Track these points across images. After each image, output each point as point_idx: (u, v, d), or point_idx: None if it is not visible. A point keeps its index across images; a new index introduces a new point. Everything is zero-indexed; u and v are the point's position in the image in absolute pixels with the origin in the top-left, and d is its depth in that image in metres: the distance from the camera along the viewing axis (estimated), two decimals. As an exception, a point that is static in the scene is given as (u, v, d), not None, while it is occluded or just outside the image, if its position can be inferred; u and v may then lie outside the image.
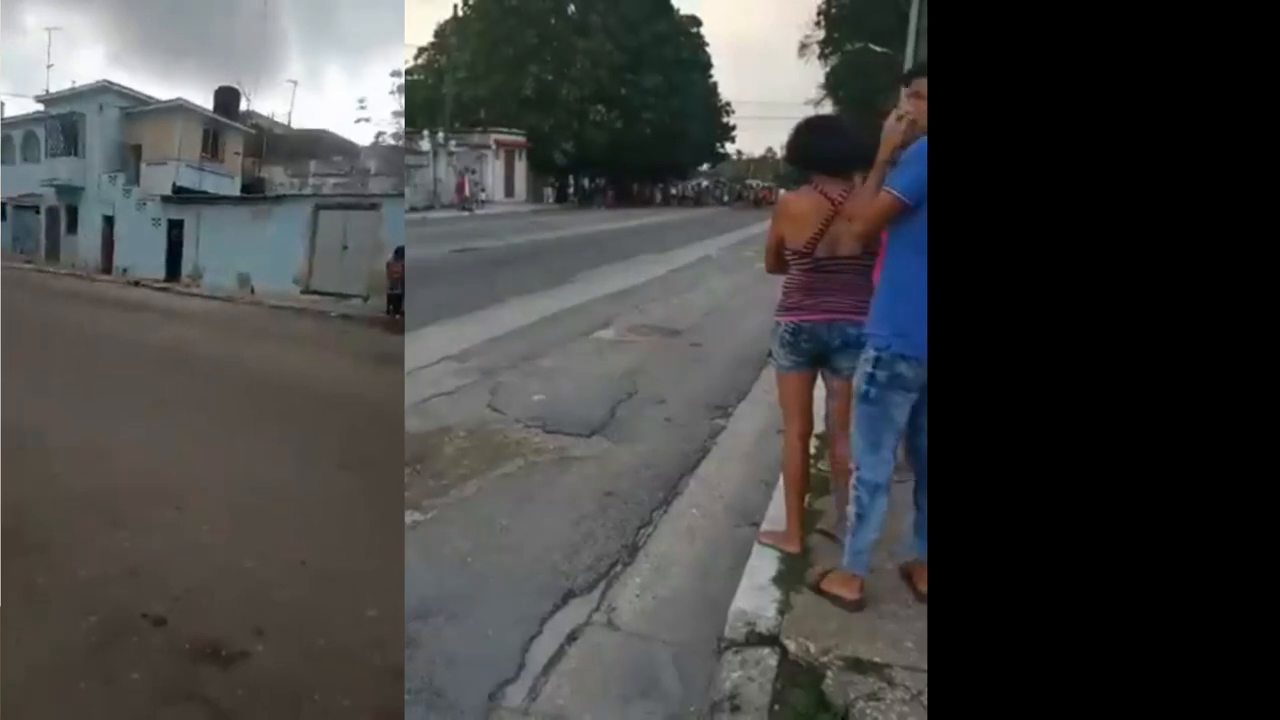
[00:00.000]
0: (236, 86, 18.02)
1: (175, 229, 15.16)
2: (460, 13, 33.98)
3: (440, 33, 36.40)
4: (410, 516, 2.88)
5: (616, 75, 33.63)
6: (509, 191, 30.82)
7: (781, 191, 46.70)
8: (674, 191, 43.44)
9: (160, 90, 18.96)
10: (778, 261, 2.51)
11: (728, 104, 44.76)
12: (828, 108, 34.78)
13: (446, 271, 10.24)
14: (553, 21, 33.88)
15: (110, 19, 32.83)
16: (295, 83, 27.86)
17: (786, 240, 2.42)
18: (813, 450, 2.79)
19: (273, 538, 2.59)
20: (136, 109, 16.56)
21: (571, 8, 34.05)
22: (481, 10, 33.74)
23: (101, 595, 2.07)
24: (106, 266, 16.06)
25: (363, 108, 31.43)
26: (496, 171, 30.01)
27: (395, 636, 2.06)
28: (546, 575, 2.55)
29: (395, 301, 9.59)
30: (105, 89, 16.44)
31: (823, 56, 34.99)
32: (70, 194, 16.76)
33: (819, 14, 34.03)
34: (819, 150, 2.38)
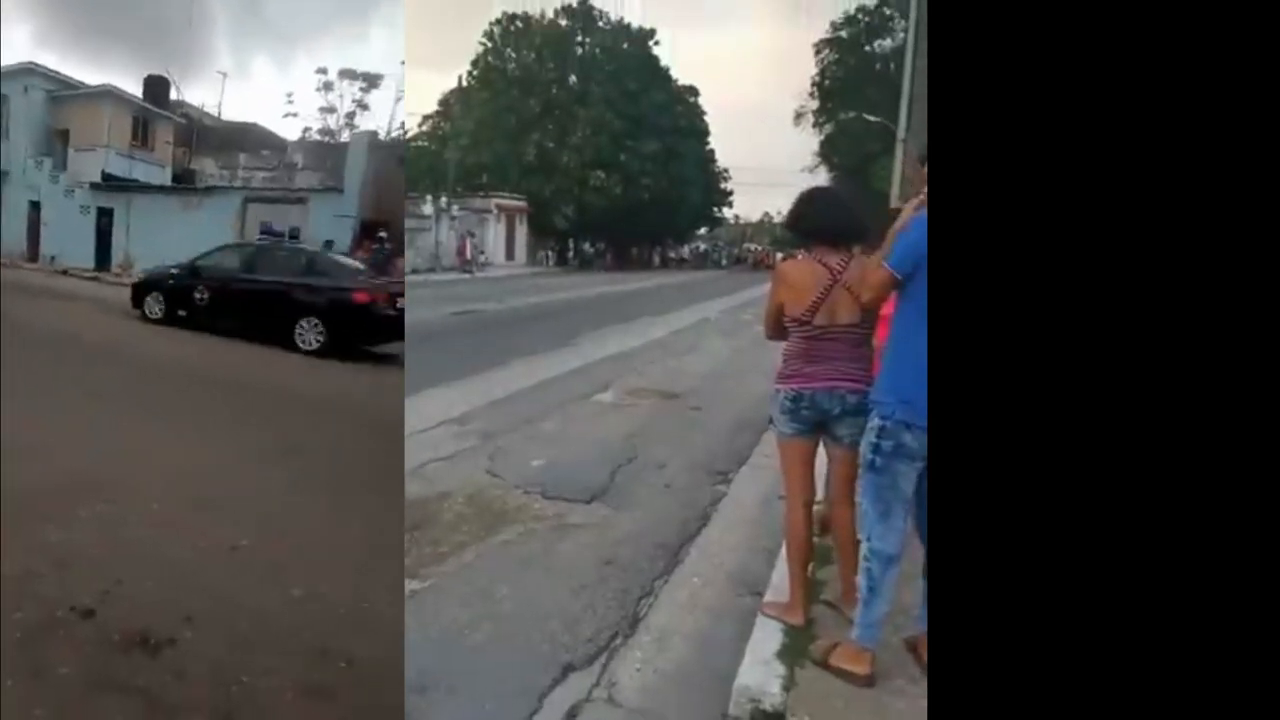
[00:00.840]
0: (166, 75, 17.90)
1: (104, 217, 14.93)
2: (465, 82, 35.40)
3: (445, 101, 38.12)
4: (408, 585, 2.85)
5: (616, 142, 34.73)
6: (509, 254, 31.50)
7: (779, 256, 46.83)
8: (672, 255, 44.31)
9: (88, 75, 18.40)
10: (777, 328, 2.56)
11: (724, 170, 46.03)
12: (822, 174, 35.84)
13: (447, 334, 10.29)
14: (554, 91, 35.29)
15: (37, 1, 30.62)
16: (224, 74, 28.35)
17: (786, 308, 2.48)
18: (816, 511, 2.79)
19: (207, 525, 2.79)
20: (64, 93, 16.25)
21: (573, 78, 35.47)
22: (486, 80, 35.31)
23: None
24: (33, 254, 15.65)
25: (290, 102, 32.07)
26: (498, 235, 30.79)
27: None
28: (546, 647, 2.51)
29: None
30: (30, 70, 15.99)
31: (817, 125, 36.35)
32: None
33: (813, 84, 35.57)
34: (819, 221, 2.46)
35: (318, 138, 19.38)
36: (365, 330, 7.54)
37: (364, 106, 22.96)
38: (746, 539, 3.49)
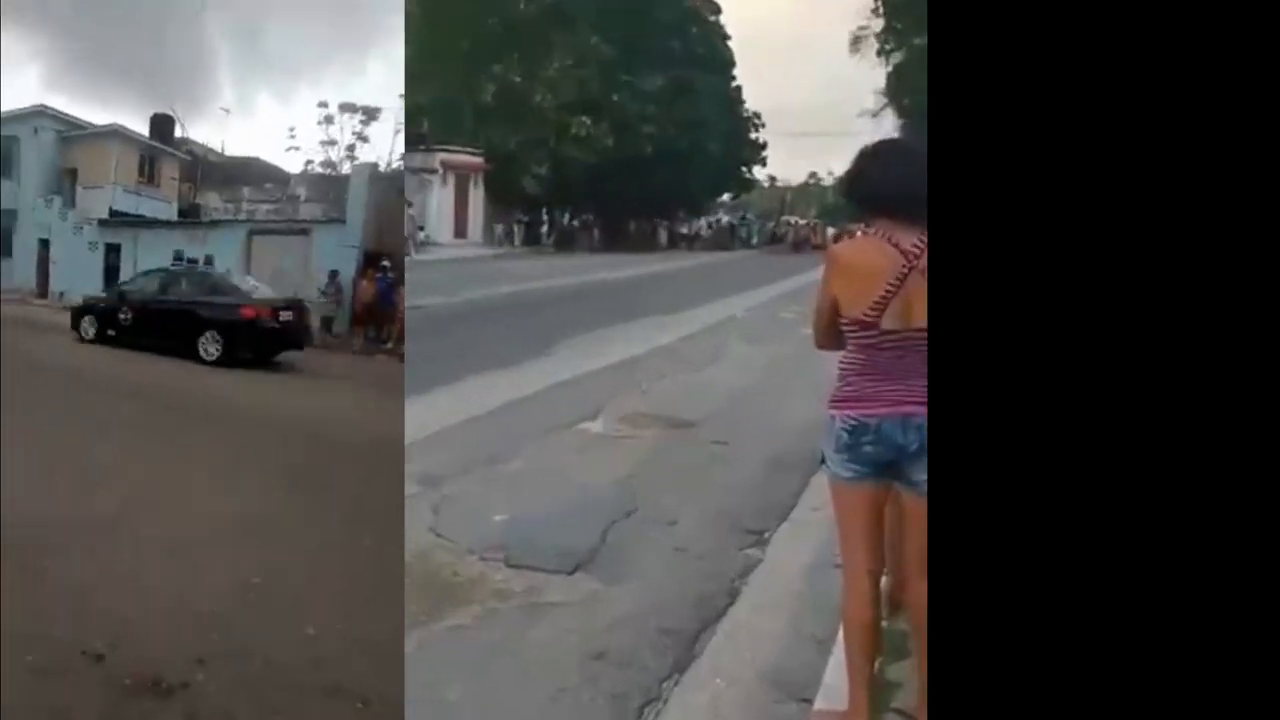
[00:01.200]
0: (171, 113, 24.89)
1: (112, 253, 19.96)
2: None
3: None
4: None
5: (606, 77, 34.95)
6: (460, 230, 30.99)
7: (831, 232, 46.78)
8: (684, 230, 44.35)
9: (95, 115, 24.89)
10: (831, 333, 2.57)
11: (755, 115, 46.47)
12: (889, 120, 36.10)
13: (375, 339, 10.49)
14: (522, 6, 35.38)
15: (44, 44, 45.20)
16: (228, 111, 37.82)
17: (843, 305, 2.48)
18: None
19: (220, 556, 3.92)
20: (72, 133, 22.46)
21: (549, -12, 35.66)
22: (427, -13, 35.11)
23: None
24: (42, 290, 20.87)
25: (292, 136, 40.68)
26: (443, 203, 30.16)
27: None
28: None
29: (327, 323, 14.43)
30: (40, 112, 22.06)
31: (882, 53, 36.57)
32: (4, 217, 21.66)
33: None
34: (887, 186, 2.46)
35: (320, 170, 26.96)
36: (253, 342, 11.10)
37: (364, 139, 29.98)
38: (788, 624, 3.50)
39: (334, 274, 15.91)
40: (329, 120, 29.36)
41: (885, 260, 2.40)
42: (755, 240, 47.28)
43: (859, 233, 2.45)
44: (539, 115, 33.91)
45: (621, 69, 35.28)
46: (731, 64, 43.30)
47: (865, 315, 2.43)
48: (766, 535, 4.47)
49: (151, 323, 11.82)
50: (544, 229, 36.87)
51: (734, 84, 44.08)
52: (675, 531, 4.47)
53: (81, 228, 21.07)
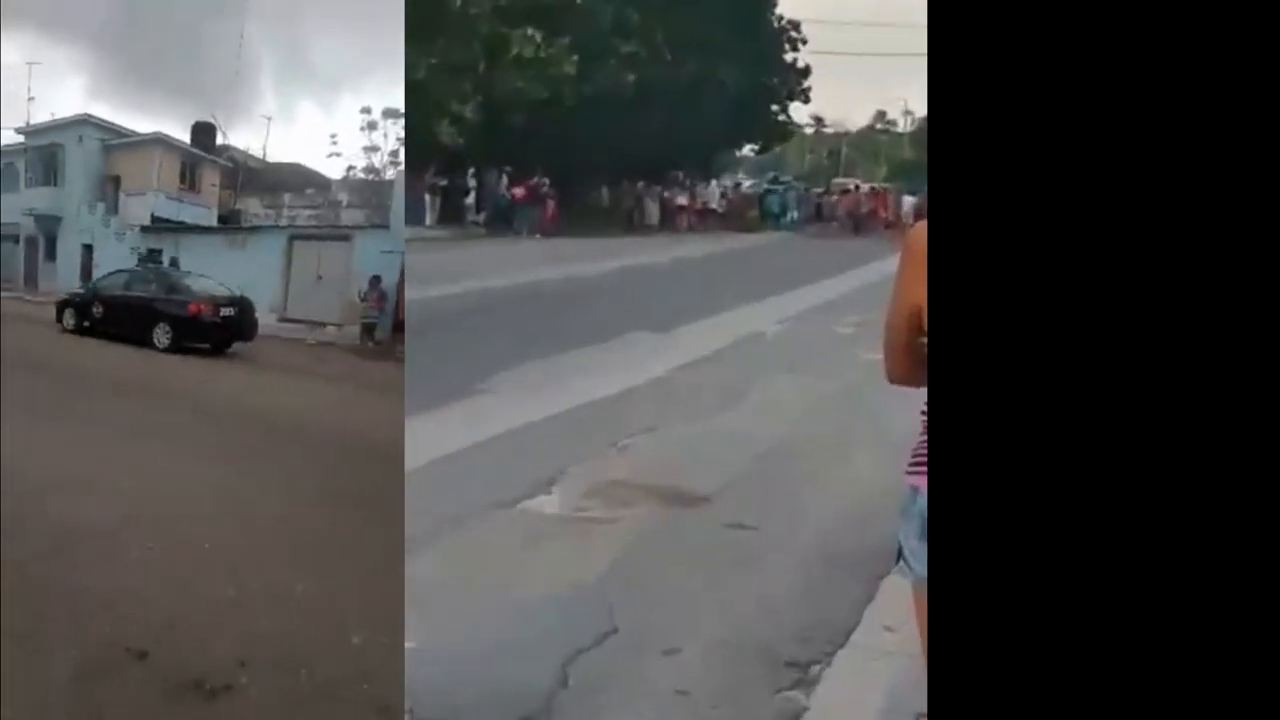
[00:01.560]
0: (213, 121, 35.62)
1: (154, 258, 28.22)
2: None
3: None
4: None
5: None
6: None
7: (909, 203, 47.30)
8: (685, 202, 43.99)
9: (138, 124, 35.00)
10: (912, 359, 2.60)
11: (793, 27, 46.82)
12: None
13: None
14: None
15: (89, 54, 59.52)
16: (269, 118, 51.38)
17: (925, 319, 2.49)
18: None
19: (259, 567, 5.52)
20: (115, 141, 32.88)
21: None
22: None
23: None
24: None
25: (334, 142, 55.25)
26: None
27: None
28: None
29: (370, 330, 21.26)
30: (84, 121, 32.35)
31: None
32: (49, 223, 32.20)
33: None
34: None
35: (362, 176, 37.62)
36: (198, 333, 17.86)
37: None
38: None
39: (376, 279, 21.76)
40: (372, 126, 38.74)
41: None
42: (793, 215, 46.09)
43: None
44: (461, 24, 33.97)
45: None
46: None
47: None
48: (814, 670, 4.49)
49: (117, 315, 18.63)
50: (469, 199, 36.63)
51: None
52: (675, 665, 4.48)
53: (124, 233, 30.59)
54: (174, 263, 25.72)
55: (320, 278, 25.83)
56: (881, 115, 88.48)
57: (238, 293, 19.86)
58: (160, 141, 32.63)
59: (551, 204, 36.70)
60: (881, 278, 19.72)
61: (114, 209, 31.64)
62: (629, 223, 39.12)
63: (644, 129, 37.43)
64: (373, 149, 39.59)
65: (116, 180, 32.37)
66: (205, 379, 14.72)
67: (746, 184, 54.44)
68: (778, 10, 45.99)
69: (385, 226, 25.10)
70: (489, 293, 17.73)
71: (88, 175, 32.21)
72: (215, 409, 11.51)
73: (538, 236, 32.67)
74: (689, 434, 8.57)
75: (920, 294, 2.52)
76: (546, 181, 37.27)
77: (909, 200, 43.81)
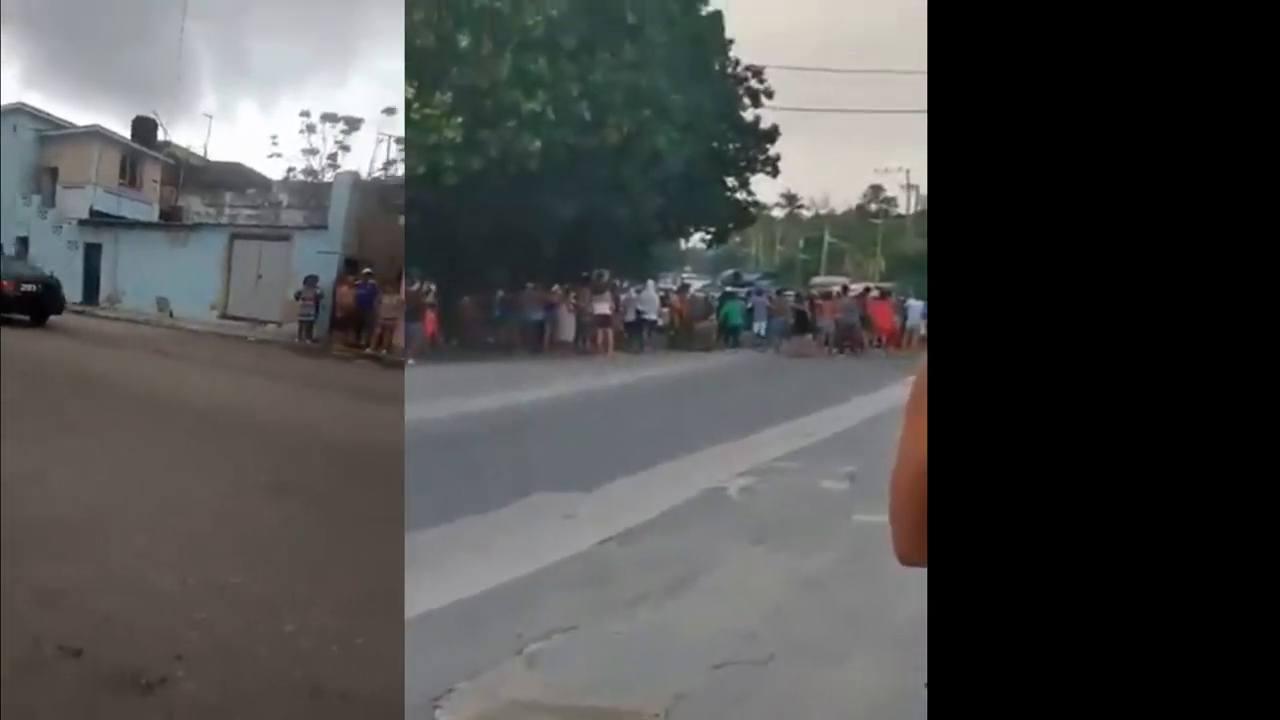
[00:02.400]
0: (154, 116, 47.50)
1: (93, 253, 41.32)
2: None
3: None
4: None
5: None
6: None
7: (916, 309, 47.91)
8: (608, 311, 43.40)
9: (76, 116, 45.41)
10: (920, 529, 2.57)
11: (754, 74, 47.63)
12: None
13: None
14: None
15: (24, 43, 67.65)
16: (210, 116, 71.38)
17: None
18: None
19: (201, 559, 7.47)
20: (52, 132, 43.36)
21: None
22: None
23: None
24: None
25: (275, 144, 65.50)
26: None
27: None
28: None
29: (307, 327, 32.81)
30: (19, 110, 41.93)
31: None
32: None
33: None
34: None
35: (302, 177, 48.55)
36: (3, 305, 30.44)
37: (345, 148, 50.40)
38: None
39: (311, 279, 31.17)
40: (311, 129, 49.61)
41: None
42: (761, 327, 45.92)
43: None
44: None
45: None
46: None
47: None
48: None
49: None
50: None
51: (706, 11, 45.24)
52: None
53: (61, 227, 41.23)
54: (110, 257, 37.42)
55: (260, 276, 35.90)
56: (876, 192, 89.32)
57: (46, 273, 30.16)
58: (99, 134, 43.19)
59: (431, 316, 36.65)
60: (882, 411, 19.79)
61: (51, 201, 42.44)
62: (535, 340, 39.09)
63: (554, 212, 37.73)
64: (311, 151, 50.19)
65: (53, 172, 42.75)
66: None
67: (696, 285, 54.38)
68: (732, 54, 46.78)
69: (324, 227, 33.99)
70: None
71: (22, 166, 41.93)
72: (154, 404, 15.20)
73: (409, 361, 32.55)
74: (621, 634, 8.51)
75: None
76: (433, 288, 37.38)
77: (916, 306, 43.44)
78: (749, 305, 47.03)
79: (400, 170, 43.82)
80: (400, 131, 43.99)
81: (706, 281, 56.32)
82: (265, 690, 5.42)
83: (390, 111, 46.50)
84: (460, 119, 35.10)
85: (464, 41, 34.82)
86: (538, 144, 36.18)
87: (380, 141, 54.53)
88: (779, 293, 50.54)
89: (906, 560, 2.72)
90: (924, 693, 2.56)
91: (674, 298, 46.94)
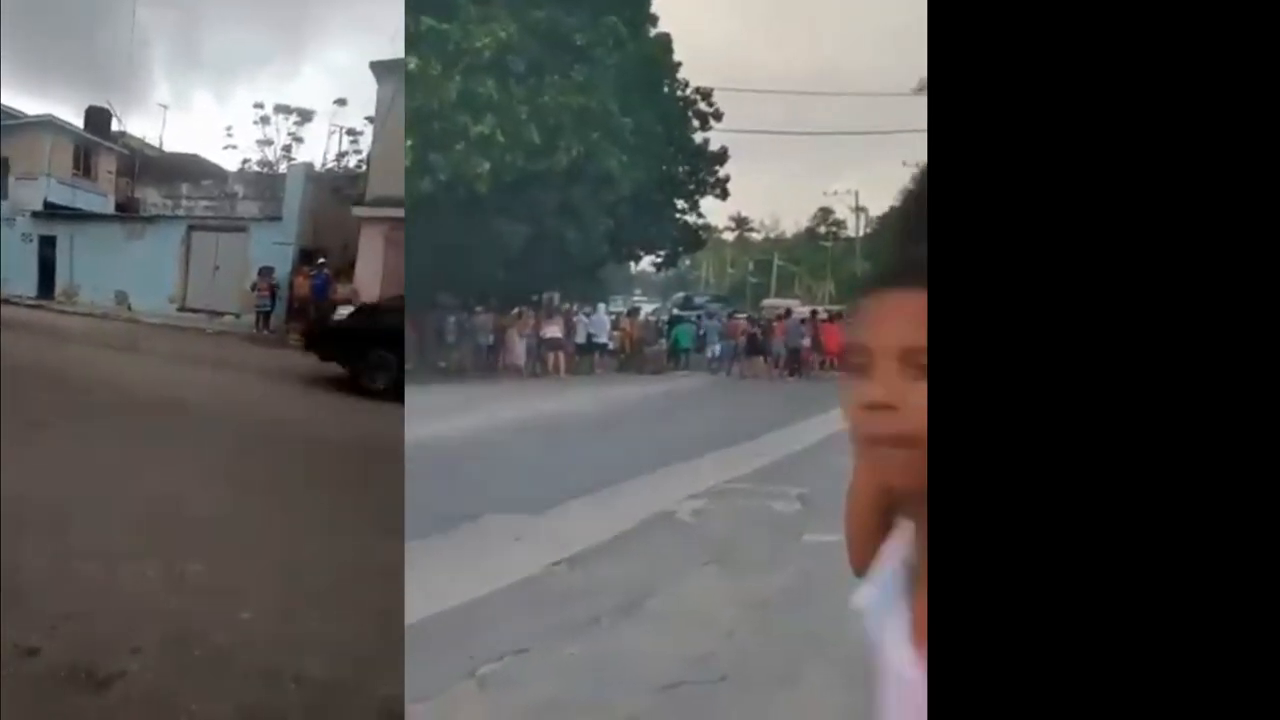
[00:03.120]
0: (107, 106, 49.08)
1: (47, 246, 41.31)
2: None
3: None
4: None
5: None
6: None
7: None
8: (558, 334, 43.47)
9: (26, 105, 45.21)
10: (874, 547, 2.59)
11: (703, 96, 47.68)
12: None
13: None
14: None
15: None
16: (166, 107, 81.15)
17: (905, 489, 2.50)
18: None
19: (160, 551, 7.78)
20: (3, 122, 41.51)
21: None
22: None
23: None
24: None
25: (230, 135, 66.82)
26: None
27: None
28: None
29: (263, 318, 34.51)
30: None
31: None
32: None
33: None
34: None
35: (257, 169, 50.88)
36: None
37: (299, 140, 53.48)
38: None
39: (266, 270, 32.71)
40: (265, 120, 52.85)
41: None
42: (715, 350, 45.92)
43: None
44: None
45: None
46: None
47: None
48: None
49: None
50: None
51: (655, 32, 45.24)
52: None
53: (14, 219, 41.17)
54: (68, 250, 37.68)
55: (218, 268, 37.41)
56: (826, 214, 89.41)
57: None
58: (51, 124, 43.22)
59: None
60: (832, 432, 19.78)
61: (3, 193, 42.16)
62: (487, 363, 39.04)
63: (504, 235, 37.73)
64: (266, 143, 53.35)
65: (4, 163, 42.15)
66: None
67: (647, 309, 54.39)
68: (680, 75, 46.83)
69: (279, 218, 35.37)
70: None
71: None
72: (112, 398, 15.89)
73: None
74: (573, 656, 8.47)
75: (887, 465, 2.52)
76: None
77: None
78: (700, 329, 47.07)
79: (352, 162, 47.76)
80: (352, 123, 49.96)
81: (657, 305, 56.34)
82: (220, 676, 5.67)
83: (342, 103, 50.38)
84: (410, 142, 35.11)
85: (412, 64, 34.66)
86: (487, 166, 36.22)
87: (332, 133, 58.75)
88: (730, 315, 50.92)
89: (860, 575, 2.74)
90: (874, 713, 2.58)
91: (624, 321, 46.75)
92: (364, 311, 25.25)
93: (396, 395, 20.45)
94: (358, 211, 35.70)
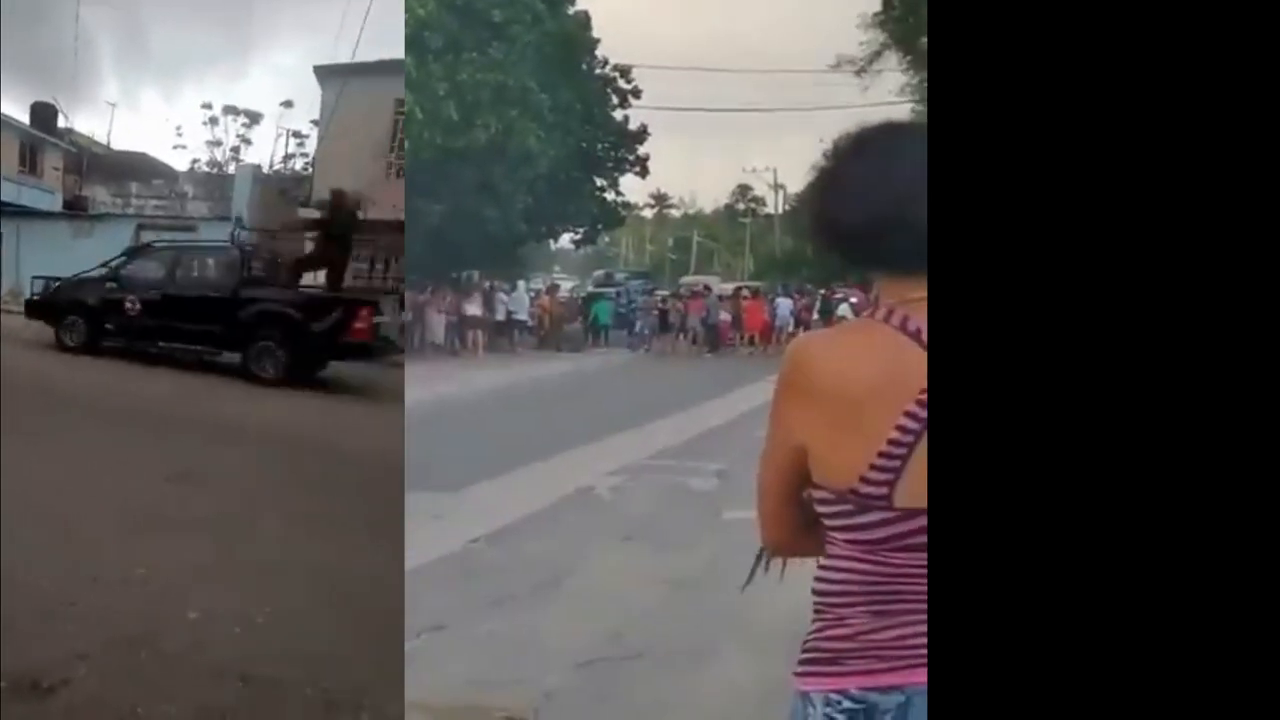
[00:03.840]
0: (53, 102, 47.71)
1: None
2: None
3: None
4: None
5: None
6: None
7: (783, 308, 47.84)
8: (476, 312, 43.27)
9: None
10: (791, 520, 2.71)
11: (621, 73, 47.59)
12: (887, 81, 37.45)
13: None
14: None
15: None
16: (114, 104, 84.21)
17: (819, 463, 2.55)
18: None
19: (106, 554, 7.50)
20: None
21: None
22: None
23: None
24: None
25: (179, 135, 67.09)
26: None
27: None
28: None
29: None
30: None
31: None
32: None
33: None
34: (889, 215, 2.53)
35: (206, 169, 53.75)
36: None
37: (247, 141, 55.61)
38: None
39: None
40: (214, 121, 56.06)
41: (900, 367, 2.46)
42: (640, 327, 46.00)
43: (842, 311, 2.58)
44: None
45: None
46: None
47: (866, 482, 2.49)
48: None
49: None
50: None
51: (573, 9, 45.13)
52: None
53: None
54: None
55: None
56: (744, 191, 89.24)
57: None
58: None
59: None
60: (752, 408, 19.77)
61: None
62: (405, 342, 38.82)
63: (422, 213, 37.55)
64: (215, 143, 56.84)
65: None
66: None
67: (566, 286, 54.26)
68: (599, 52, 46.73)
69: (228, 218, 33.43)
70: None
71: None
72: (57, 401, 15.15)
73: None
74: (491, 634, 8.49)
75: (800, 435, 2.56)
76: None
77: (784, 304, 43.87)
78: (619, 305, 47.01)
79: (299, 164, 48.58)
80: (298, 125, 50.60)
81: (576, 282, 56.18)
82: (170, 678, 5.51)
83: (288, 105, 52.39)
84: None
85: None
86: (405, 144, 36.06)
87: (279, 136, 58.38)
88: (650, 292, 50.73)
89: (771, 550, 2.77)
90: (789, 689, 2.60)
91: (543, 297, 46.70)
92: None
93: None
94: (304, 213, 33.65)
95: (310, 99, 44.43)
